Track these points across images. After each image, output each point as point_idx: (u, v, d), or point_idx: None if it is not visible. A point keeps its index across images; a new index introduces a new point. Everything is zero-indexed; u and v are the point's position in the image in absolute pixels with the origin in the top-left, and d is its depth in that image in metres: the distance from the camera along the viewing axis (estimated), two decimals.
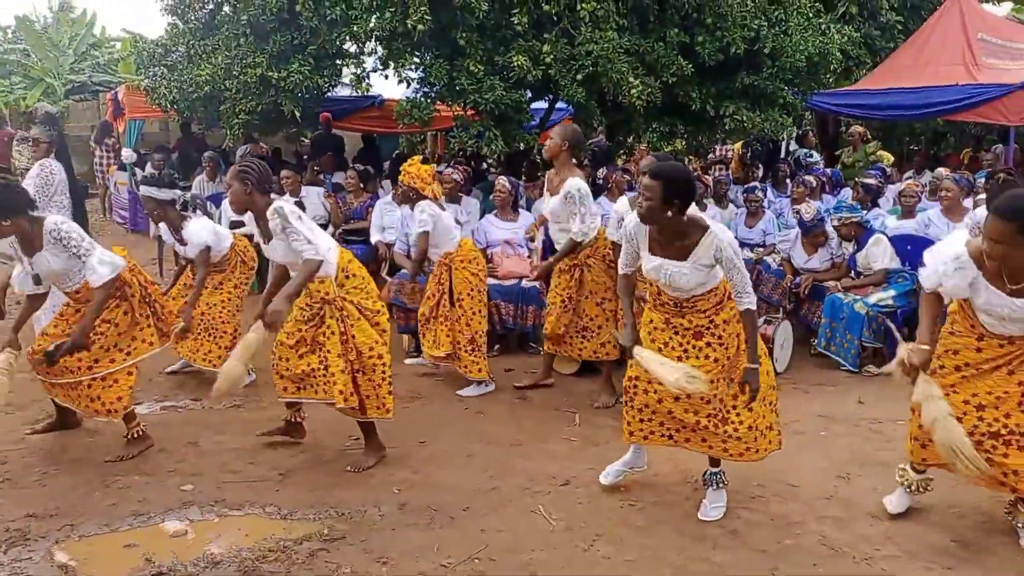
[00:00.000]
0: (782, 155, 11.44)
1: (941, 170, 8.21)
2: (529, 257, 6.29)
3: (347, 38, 7.15)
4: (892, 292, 5.73)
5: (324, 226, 7.68)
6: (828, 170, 9.31)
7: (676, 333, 3.44)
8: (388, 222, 7.17)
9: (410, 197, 5.24)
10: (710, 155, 11.63)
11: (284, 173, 7.82)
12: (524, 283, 6.01)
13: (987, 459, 3.13)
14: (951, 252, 3.11)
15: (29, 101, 20.03)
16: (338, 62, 7.70)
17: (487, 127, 7.33)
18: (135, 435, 4.18)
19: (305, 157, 11.11)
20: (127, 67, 19.47)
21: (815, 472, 3.95)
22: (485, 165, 10.75)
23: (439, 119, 8.33)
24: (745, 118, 7.60)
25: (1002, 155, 9.26)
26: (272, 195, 3.87)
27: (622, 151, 8.99)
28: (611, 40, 6.75)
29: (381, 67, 7.72)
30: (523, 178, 8.73)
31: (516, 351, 6.08)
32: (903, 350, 3.22)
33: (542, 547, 3.26)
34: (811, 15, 7.96)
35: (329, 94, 8.86)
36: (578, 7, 6.86)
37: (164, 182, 5.12)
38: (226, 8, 7.79)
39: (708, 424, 3.42)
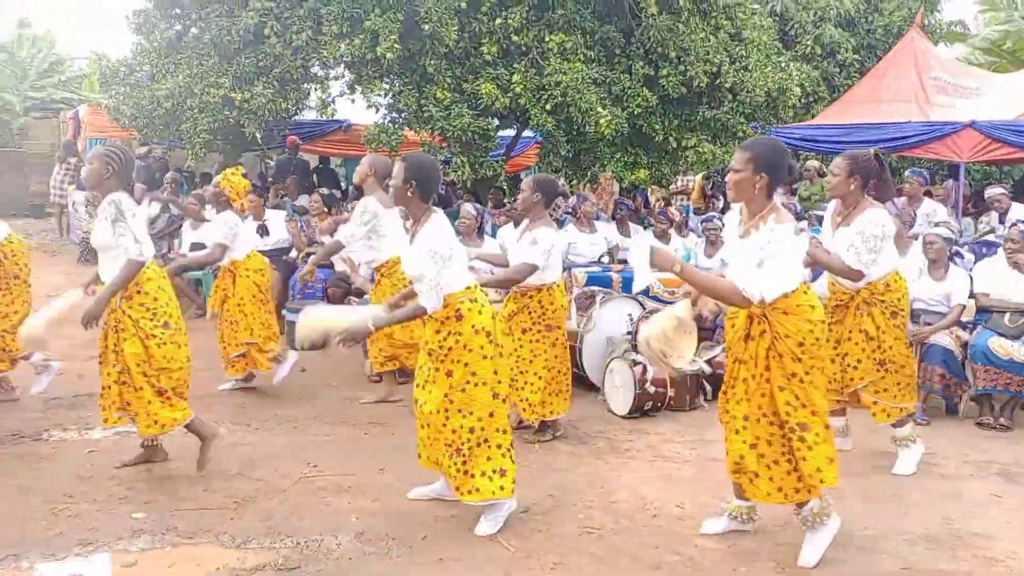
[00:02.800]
0: None
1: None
2: None
3: (314, 63, 7.18)
4: None
5: (287, 250, 7.63)
6: (791, 203, 9.52)
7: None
8: None
9: (219, 200, 5.54)
10: (672, 185, 11.82)
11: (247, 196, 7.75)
12: None
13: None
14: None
15: None
16: (305, 86, 7.72)
17: (454, 153, 7.39)
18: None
19: (269, 180, 11.06)
20: (91, 86, 19.26)
21: None
22: (444, 191, 10.80)
23: (406, 144, 8.37)
24: (706, 150, 7.78)
25: (952, 190, 9.55)
26: (128, 189, 3.99)
27: (587, 179, 9.12)
28: (579, 71, 6.88)
29: (349, 92, 7.77)
30: (489, 205, 8.78)
31: None
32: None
33: (500, 575, 3.24)
34: (771, 52, 8.19)
35: (297, 117, 8.86)
36: (547, 39, 6.98)
37: None
38: (193, 29, 7.78)
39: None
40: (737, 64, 7.72)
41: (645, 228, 8.02)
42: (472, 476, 3.51)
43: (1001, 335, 5.19)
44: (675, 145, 8.05)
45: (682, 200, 10.97)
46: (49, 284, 7.88)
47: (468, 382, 3.49)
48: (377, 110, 7.92)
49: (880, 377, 4.27)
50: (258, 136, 7.64)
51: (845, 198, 4.17)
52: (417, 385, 3.65)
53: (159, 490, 4.00)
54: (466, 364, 3.48)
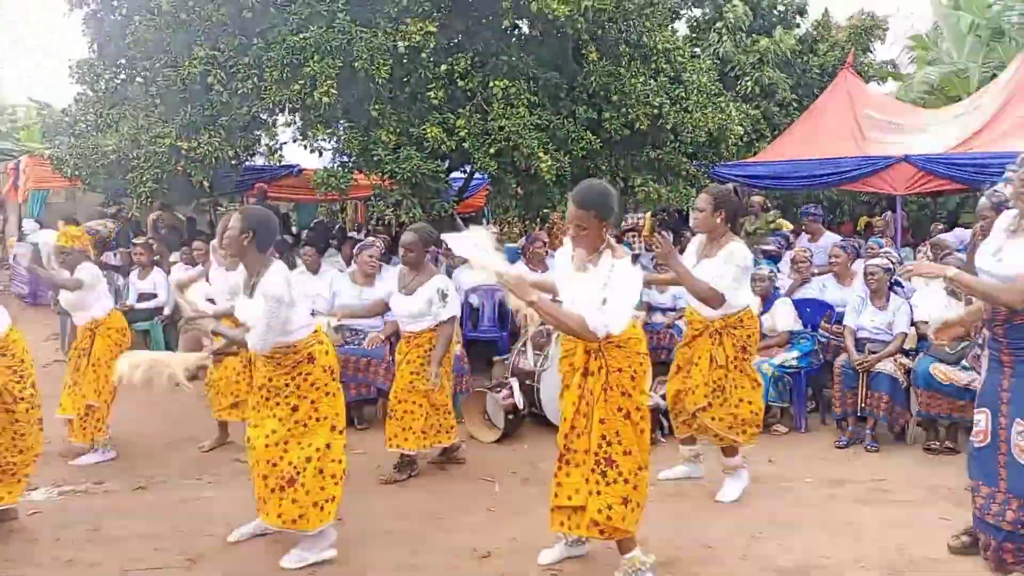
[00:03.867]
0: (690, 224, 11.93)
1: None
2: None
3: (259, 110, 7.17)
4: (796, 352, 5.99)
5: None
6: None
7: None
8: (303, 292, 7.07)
9: (68, 260, 5.30)
10: (623, 223, 12.02)
11: (196, 244, 7.66)
12: None
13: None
14: None
15: None
16: (254, 132, 7.70)
17: (404, 196, 7.42)
18: None
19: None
20: (30, 135, 18.88)
21: (729, 532, 4.03)
22: (397, 232, 10.82)
23: (357, 187, 8.37)
24: (651, 189, 7.96)
25: (891, 221, 9.91)
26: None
27: (538, 220, 9.22)
28: (522, 117, 7.01)
29: (300, 137, 7.76)
30: (443, 246, 8.77)
31: None
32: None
33: None
34: (711, 93, 8.44)
35: (248, 163, 8.80)
36: (491, 84, 7.11)
37: None
38: (138, 79, 7.72)
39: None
40: (678, 106, 7.95)
41: None
42: (302, 506, 3.60)
43: (942, 360, 5.36)
44: (623, 184, 8.21)
45: (633, 237, 11.15)
46: None
47: (311, 417, 3.66)
48: (321, 154, 7.93)
49: (720, 403, 4.38)
50: (206, 184, 7.57)
51: (712, 232, 4.32)
52: (251, 426, 3.74)
53: (108, 551, 3.86)
54: (312, 401, 3.67)
